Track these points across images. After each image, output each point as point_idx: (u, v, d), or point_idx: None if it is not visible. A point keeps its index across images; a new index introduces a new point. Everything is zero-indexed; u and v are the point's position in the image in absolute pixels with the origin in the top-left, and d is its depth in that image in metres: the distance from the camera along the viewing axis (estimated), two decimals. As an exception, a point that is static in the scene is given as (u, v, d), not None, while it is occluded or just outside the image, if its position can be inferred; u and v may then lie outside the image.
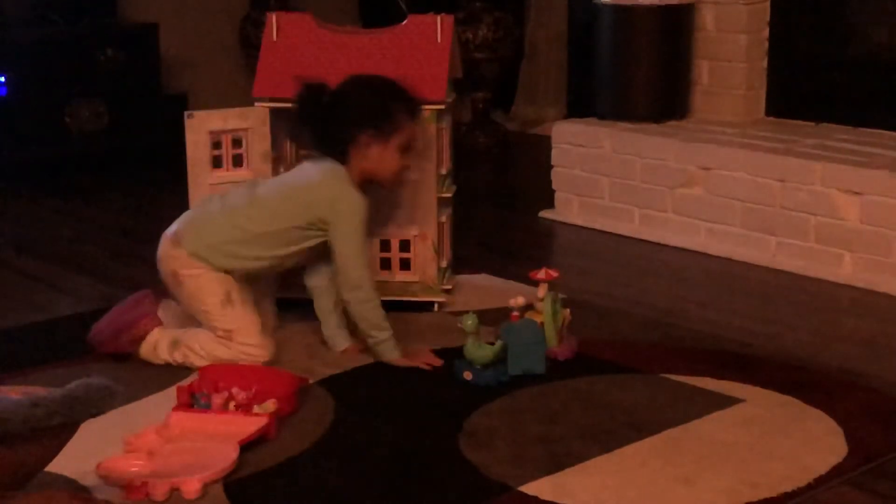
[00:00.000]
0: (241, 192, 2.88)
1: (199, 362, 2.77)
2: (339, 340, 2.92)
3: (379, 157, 2.83)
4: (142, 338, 2.82)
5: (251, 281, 2.88)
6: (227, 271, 2.81)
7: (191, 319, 2.87)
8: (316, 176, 2.84)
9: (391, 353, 2.80)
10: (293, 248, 2.83)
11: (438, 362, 2.80)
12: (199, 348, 2.79)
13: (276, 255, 2.83)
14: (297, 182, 2.87)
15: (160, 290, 2.98)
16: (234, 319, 2.79)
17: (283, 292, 3.07)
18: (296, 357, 2.87)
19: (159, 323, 2.85)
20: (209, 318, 2.80)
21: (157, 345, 2.82)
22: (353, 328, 2.90)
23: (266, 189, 2.88)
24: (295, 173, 2.94)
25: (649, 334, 3.05)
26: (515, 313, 2.77)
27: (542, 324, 2.80)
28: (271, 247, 2.82)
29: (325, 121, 2.85)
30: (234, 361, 2.76)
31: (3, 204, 4.56)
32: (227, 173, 3.15)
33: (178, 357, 2.80)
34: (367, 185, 2.87)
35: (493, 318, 2.88)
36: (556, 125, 4.38)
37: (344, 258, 2.78)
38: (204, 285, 2.80)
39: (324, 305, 2.93)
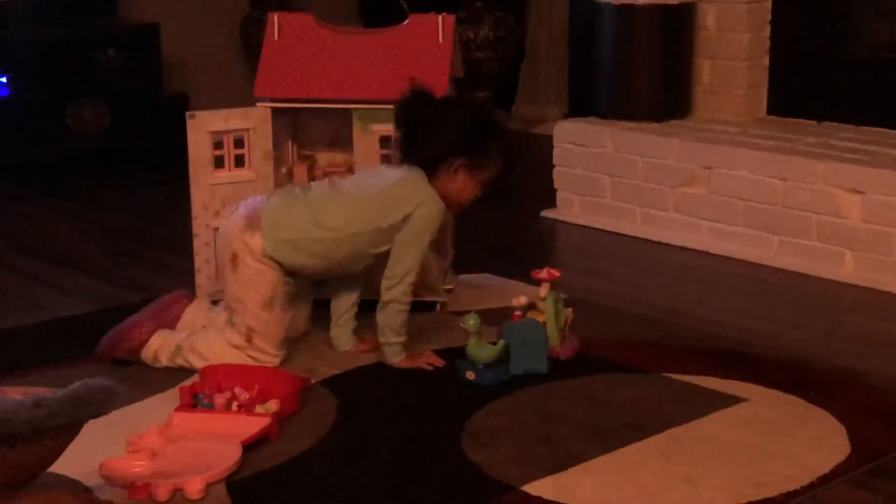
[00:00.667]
0: (323, 189, 2.84)
1: (199, 364, 2.75)
2: (345, 340, 2.91)
3: (463, 184, 2.81)
4: (138, 347, 2.80)
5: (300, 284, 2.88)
6: (295, 271, 2.79)
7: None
8: (404, 178, 2.80)
9: (396, 357, 2.80)
10: (373, 251, 2.79)
11: (440, 363, 2.80)
12: (206, 348, 2.77)
13: (359, 254, 2.79)
14: (384, 183, 2.80)
15: (160, 292, 2.98)
16: (264, 323, 2.76)
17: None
18: (298, 357, 2.87)
19: (154, 329, 2.82)
20: (242, 311, 2.76)
21: (158, 351, 2.79)
22: (356, 329, 2.92)
23: (351, 187, 2.83)
24: (377, 174, 2.88)
25: (651, 333, 3.05)
26: (518, 313, 2.77)
27: (544, 323, 2.80)
28: (355, 248, 2.79)
29: (424, 132, 2.81)
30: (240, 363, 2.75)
31: (4, 204, 4.56)
32: (228, 173, 3.15)
33: (178, 362, 2.79)
34: None
35: (494, 317, 2.88)
36: (558, 124, 4.38)
37: (401, 257, 2.76)
38: (257, 280, 2.76)
39: (341, 304, 2.91)
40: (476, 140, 2.80)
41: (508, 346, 2.71)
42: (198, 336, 2.81)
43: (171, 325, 2.85)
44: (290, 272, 2.80)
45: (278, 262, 2.76)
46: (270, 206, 2.80)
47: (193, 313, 2.90)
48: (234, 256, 2.78)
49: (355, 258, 2.81)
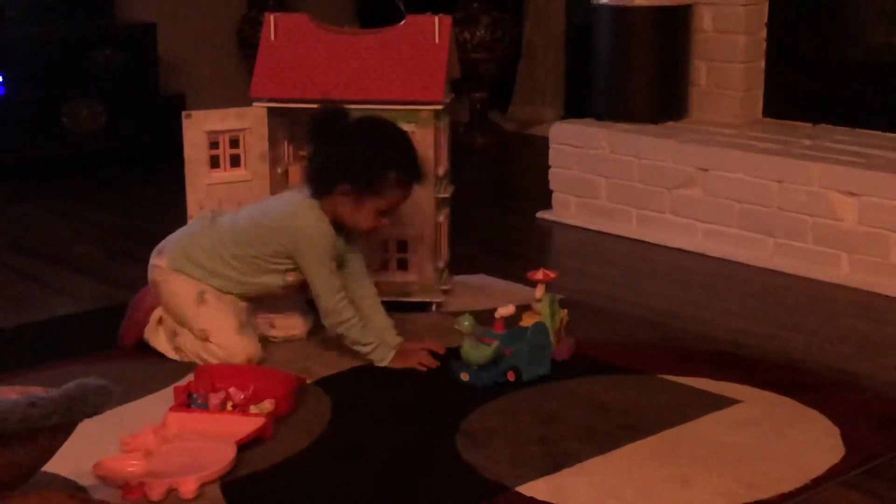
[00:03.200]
0: (230, 212, 2.90)
1: (189, 353, 2.81)
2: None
3: (351, 212, 2.77)
4: (152, 308, 2.86)
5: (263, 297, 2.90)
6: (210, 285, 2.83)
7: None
8: (285, 206, 2.81)
9: (382, 360, 2.80)
10: (266, 278, 2.82)
11: (434, 363, 2.80)
12: (190, 349, 2.82)
13: (253, 281, 2.83)
14: (268, 210, 2.84)
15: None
16: (207, 318, 2.79)
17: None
18: (293, 357, 2.87)
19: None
20: (187, 319, 2.81)
21: (162, 321, 2.85)
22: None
23: (246, 212, 2.87)
24: (272, 200, 2.91)
25: (647, 335, 3.05)
26: (500, 321, 2.74)
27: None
28: (247, 272, 2.82)
29: (317, 153, 2.82)
30: (219, 361, 2.76)
31: (1, 204, 4.56)
32: (224, 173, 3.15)
33: (175, 343, 2.83)
34: (338, 225, 2.83)
35: (490, 318, 2.87)
36: (554, 126, 4.38)
37: (313, 288, 2.78)
38: (176, 287, 2.81)
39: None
40: (363, 166, 2.74)
41: (503, 347, 2.69)
42: (185, 334, 2.83)
43: (144, 297, 2.90)
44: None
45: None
46: (177, 236, 2.89)
47: None
48: (154, 283, 2.85)
49: (256, 287, 2.83)
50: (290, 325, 2.98)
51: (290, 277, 2.82)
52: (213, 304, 2.81)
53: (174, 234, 2.91)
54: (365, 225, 2.80)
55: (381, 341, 2.80)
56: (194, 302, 2.80)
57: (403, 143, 2.83)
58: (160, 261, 2.85)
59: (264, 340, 2.91)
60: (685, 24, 4.26)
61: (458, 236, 3.48)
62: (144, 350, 2.87)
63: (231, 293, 2.84)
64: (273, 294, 2.89)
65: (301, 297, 2.98)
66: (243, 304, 2.87)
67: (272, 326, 2.96)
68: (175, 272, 2.81)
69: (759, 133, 4.06)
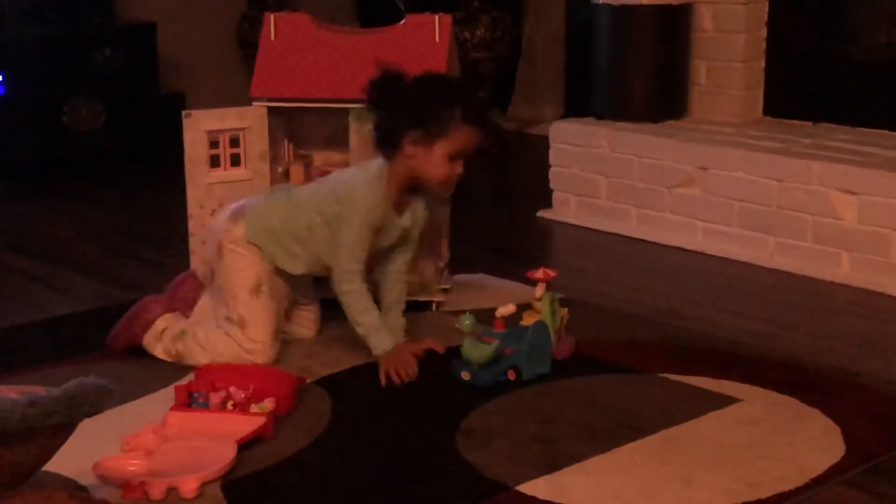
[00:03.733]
0: (305, 185, 2.91)
1: (198, 353, 2.78)
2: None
3: (422, 161, 2.73)
4: (148, 324, 2.83)
5: (293, 284, 2.89)
6: (273, 262, 2.81)
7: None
8: (357, 167, 2.84)
9: (376, 348, 2.76)
10: (330, 244, 2.78)
11: (411, 372, 2.70)
12: (203, 338, 2.79)
13: (325, 247, 2.79)
14: (340, 175, 2.85)
15: (156, 291, 2.98)
16: (253, 310, 2.78)
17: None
18: (293, 356, 2.87)
19: (164, 310, 2.85)
20: (231, 299, 2.79)
21: (165, 332, 2.82)
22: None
23: (325, 179, 2.88)
24: (352, 168, 2.91)
25: (647, 334, 3.05)
26: (501, 320, 2.74)
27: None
28: (318, 240, 2.79)
29: (384, 114, 2.77)
30: (234, 359, 2.76)
31: (1, 203, 4.56)
32: (224, 173, 3.15)
33: (179, 347, 2.80)
34: (415, 188, 2.81)
35: (490, 318, 2.87)
36: (554, 125, 4.38)
37: (338, 247, 2.75)
38: (241, 265, 2.80)
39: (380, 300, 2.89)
40: (424, 109, 2.71)
41: (503, 346, 2.69)
42: (200, 325, 2.83)
43: (186, 309, 2.88)
44: (280, 271, 2.82)
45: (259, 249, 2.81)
46: (256, 199, 2.87)
47: (207, 300, 2.91)
48: (220, 246, 2.83)
49: (322, 256, 2.81)
50: (302, 323, 2.98)
51: None
52: (264, 300, 2.80)
53: (251, 199, 2.88)
54: (439, 173, 2.74)
55: (379, 329, 2.76)
56: (249, 289, 2.79)
57: (464, 82, 2.86)
58: (236, 227, 2.81)
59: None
60: (685, 23, 4.26)
61: (458, 236, 3.48)
62: (140, 352, 2.86)
63: (295, 272, 2.82)
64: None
65: (317, 296, 2.98)
66: (285, 300, 2.87)
67: (288, 320, 2.96)
68: (248, 245, 2.79)
69: (759, 132, 4.06)
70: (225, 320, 2.81)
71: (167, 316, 2.85)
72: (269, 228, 2.81)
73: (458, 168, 2.77)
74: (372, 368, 2.79)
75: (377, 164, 2.79)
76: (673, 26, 4.23)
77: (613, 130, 4.14)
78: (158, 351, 2.83)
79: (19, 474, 1.93)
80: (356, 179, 2.78)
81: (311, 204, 2.81)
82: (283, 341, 2.93)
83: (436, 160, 2.74)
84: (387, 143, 2.76)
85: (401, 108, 2.73)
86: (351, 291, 2.76)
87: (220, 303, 2.84)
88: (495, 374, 2.69)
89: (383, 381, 2.69)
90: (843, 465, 2.30)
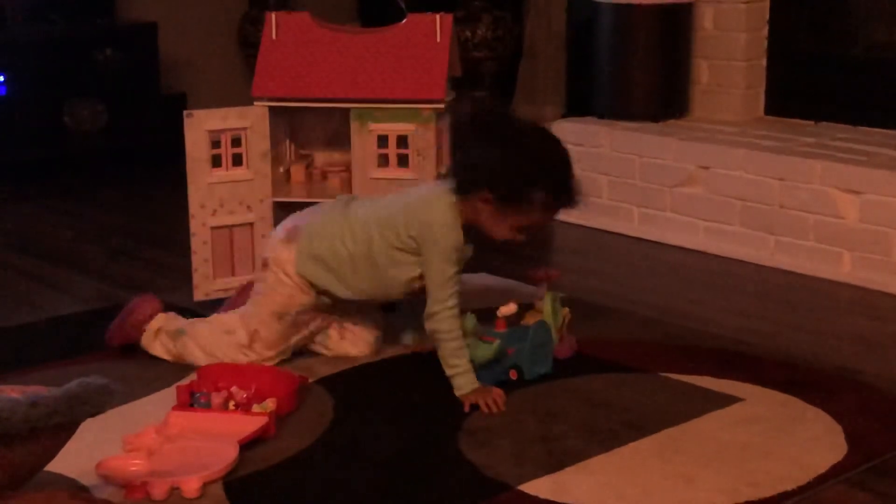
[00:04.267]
0: (365, 202, 2.77)
1: (196, 353, 2.77)
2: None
3: (487, 220, 2.60)
4: (144, 322, 2.82)
5: (344, 305, 2.81)
6: (324, 292, 2.74)
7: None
8: (424, 195, 2.66)
9: (461, 389, 2.59)
10: (395, 271, 2.68)
11: (502, 407, 2.57)
12: (206, 341, 2.78)
13: (382, 278, 2.70)
14: (407, 198, 2.68)
15: (157, 291, 2.99)
16: (269, 329, 2.75)
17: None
18: (295, 357, 2.87)
19: (160, 308, 2.84)
20: (256, 311, 2.76)
21: (160, 332, 2.82)
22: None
23: (386, 201, 2.73)
24: (414, 191, 2.74)
25: (648, 333, 3.05)
26: (502, 320, 2.73)
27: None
28: (374, 270, 2.69)
29: (469, 149, 2.64)
30: (230, 360, 2.76)
31: (1, 203, 4.56)
32: (226, 172, 3.15)
33: (177, 347, 2.80)
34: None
35: (491, 317, 2.87)
36: (555, 124, 4.37)
37: (427, 285, 2.62)
38: (280, 290, 2.74)
39: None
40: (512, 183, 2.56)
41: (504, 345, 2.69)
42: (201, 323, 2.82)
43: (137, 307, 2.84)
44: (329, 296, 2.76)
45: (309, 282, 2.73)
46: (311, 221, 2.76)
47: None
48: (267, 263, 2.78)
49: (380, 284, 2.72)
50: (356, 343, 2.88)
51: (416, 284, 2.69)
52: (284, 326, 2.76)
53: (305, 216, 2.78)
54: (499, 235, 2.63)
55: (469, 371, 2.60)
56: (274, 312, 2.74)
57: (561, 162, 2.61)
58: (286, 250, 2.73)
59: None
60: (686, 22, 4.26)
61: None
62: (138, 350, 2.86)
63: (345, 297, 2.74)
64: (389, 297, 2.79)
65: (379, 316, 2.90)
66: (306, 327, 2.80)
67: (341, 338, 2.87)
68: (294, 275, 2.72)
69: (761, 131, 4.06)
70: (239, 316, 2.79)
71: (161, 316, 2.84)
72: (320, 257, 2.71)
73: (522, 237, 2.64)
74: (374, 368, 2.79)
75: (446, 196, 2.62)
76: (674, 25, 4.23)
77: (615, 130, 4.14)
78: (157, 350, 2.83)
79: (21, 474, 1.93)
80: (431, 213, 2.61)
81: (374, 234, 2.67)
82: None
83: (502, 226, 2.61)
84: (462, 181, 2.61)
85: (488, 159, 2.57)
86: (443, 332, 2.60)
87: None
88: (497, 374, 2.69)
89: (466, 409, 2.56)
90: (844, 464, 2.30)
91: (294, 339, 2.82)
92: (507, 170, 2.55)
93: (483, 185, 2.56)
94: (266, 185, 3.17)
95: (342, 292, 2.74)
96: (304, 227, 2.75)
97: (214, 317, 2.87)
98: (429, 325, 2.62)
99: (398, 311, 3.04)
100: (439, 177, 2.91)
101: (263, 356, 2.77)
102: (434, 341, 2.63)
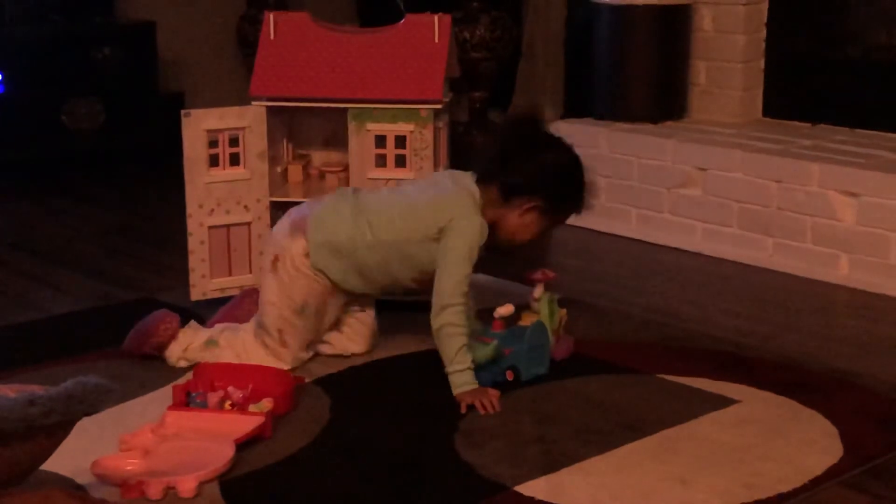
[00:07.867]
0: (376, 193, 2.79)
1: (231, 360, 2.74)
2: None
3: (526, 225, 2.71)
4: (165, 343, 2.78)
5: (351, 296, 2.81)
6: (337, 283, 2.74)
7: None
8: (453, 192, 2.69)
9: (458, 387, 2.59)
10: (414, 268, 2.71)
11: (498, 407, 2.57)
12: (242, 349, 2.75)
13: (398, 269, 2.72)
14: (433, 193, 2.71)
15: (155, 290, 2.98)
16: (293, 327, 2.74)
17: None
18: (292, 356, 2.87)
19: (178, 325, 2.79)
20: (273, 313, 2.73)
21: (189, 347, 2.77)
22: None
23: (403, 193, 2.76)
24: (433, 184, 2.76)
25: (645, 334, 3.05)
26: (499, 321, 2.73)
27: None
28: (392, 260, 2.71)
29: (520, 156, 2.70)
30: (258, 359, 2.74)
31: (0, 202, 4.56)
32: (223, 172, 3.15)
33: (207, 357, 2.75)
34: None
35: (488, 318, 2.87)
36: (553, 125, 4.38)
37: (440, 275, 2.63)
38: (296, 286, 2.73)
39: None
40: (560, 191, 2.71)
41: (501, 345, 2.69)
42: (234, 333, 2.79)
43: (156, 330, 2.78)
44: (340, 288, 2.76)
45: (323, 273, 2.73)
46: (318, 210, 2.76)
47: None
48: (276, 259, 2.75)
49: (396, 274, 2.73)
50: (353, 338, 2.88)
51: (426, 277, 2.71)
52: (308, 320, 2.74)
53: (313, 209, 2.76)
54: (528, 237, 2.74)
55: (470, 369, 2.60)
56: (295, 310, 2.73)
57: (583, 170, 2.77)
58: (295, 244, 2.72)
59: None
60: (685, 24, 4.26)
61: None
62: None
63: (357, 290, 2.76)
64: (397, 289, 2.80)
65: (373, 312, 2.89)
66: (329, 314, 2.79)
67: (340, 333, 2.87)
68: (309, 268, 2.71)
69: (759, 133, 4.06)
70: (258, 326, 2.77)
71: (185, 331, 2.80)
72: (335, 249, 2.71)
73: (542, 239, 2.79)
74: (370, 368, 2.79)
75: (472, 192, 2.68)
76: (672, 27, 4.24)
77: (613, 131, 4.14)
78: (183, 364, 2.78)
79: (17, 473, 1.93)
80: (455, 208, 2.65)
81: (396, 223, 2.69)
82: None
83: (534, 228, 2.73)
84: (510, 188, 2.67)
85: (540, 169, 2.69)
86: (462, 324, 2.60)
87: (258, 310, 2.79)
88: (494, 375, 2.69)
89: (464, 409, 2.56)
90: (841, 466, 2.30)
91: (322, 330, 2.80)
92: (559, 178, 2.71)
93: (535, 193, 2.67)
94: (263, 185, 3.17)
95: (351, 281, 2.74)
96: (311, 218, 2.74)
97: (242, 326, 2.82)
98: (441, 319, 2.62)
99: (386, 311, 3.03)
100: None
101: (301, 358, 2.77)
102: (443, 336, 2.62)
